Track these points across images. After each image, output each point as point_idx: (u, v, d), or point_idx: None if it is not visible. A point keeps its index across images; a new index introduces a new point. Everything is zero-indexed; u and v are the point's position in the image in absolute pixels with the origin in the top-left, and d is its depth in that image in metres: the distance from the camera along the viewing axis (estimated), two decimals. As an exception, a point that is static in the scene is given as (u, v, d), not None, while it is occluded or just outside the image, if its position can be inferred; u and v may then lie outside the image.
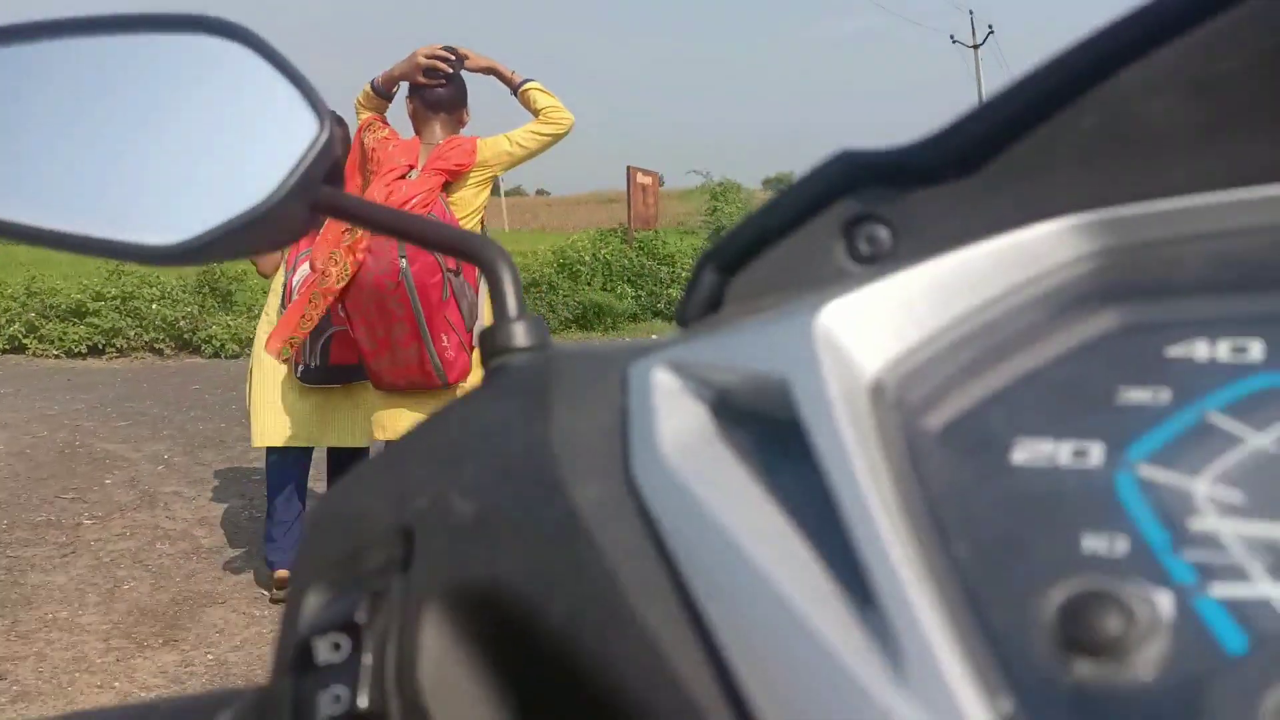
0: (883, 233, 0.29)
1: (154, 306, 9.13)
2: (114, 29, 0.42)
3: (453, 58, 3.20)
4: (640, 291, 12.06)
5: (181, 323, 9.09)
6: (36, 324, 8.84)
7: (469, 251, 0.38)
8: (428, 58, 3.17)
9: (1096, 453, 0.21)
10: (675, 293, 11.52)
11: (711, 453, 0.24)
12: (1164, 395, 0.22)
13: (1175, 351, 0.22)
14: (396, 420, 3.24)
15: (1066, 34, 0.28)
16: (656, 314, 11.85)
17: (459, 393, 3.05)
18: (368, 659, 0.26)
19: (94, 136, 0.42)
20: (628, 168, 13.14)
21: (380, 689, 0.25)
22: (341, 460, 3.51)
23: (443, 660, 0.25)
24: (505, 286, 0.36)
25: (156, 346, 9.07)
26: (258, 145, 0.39)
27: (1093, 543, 0.20)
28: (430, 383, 3.15)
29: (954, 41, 32.97)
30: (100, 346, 8.85)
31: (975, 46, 32.56)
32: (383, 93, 3.21)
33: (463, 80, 3.28)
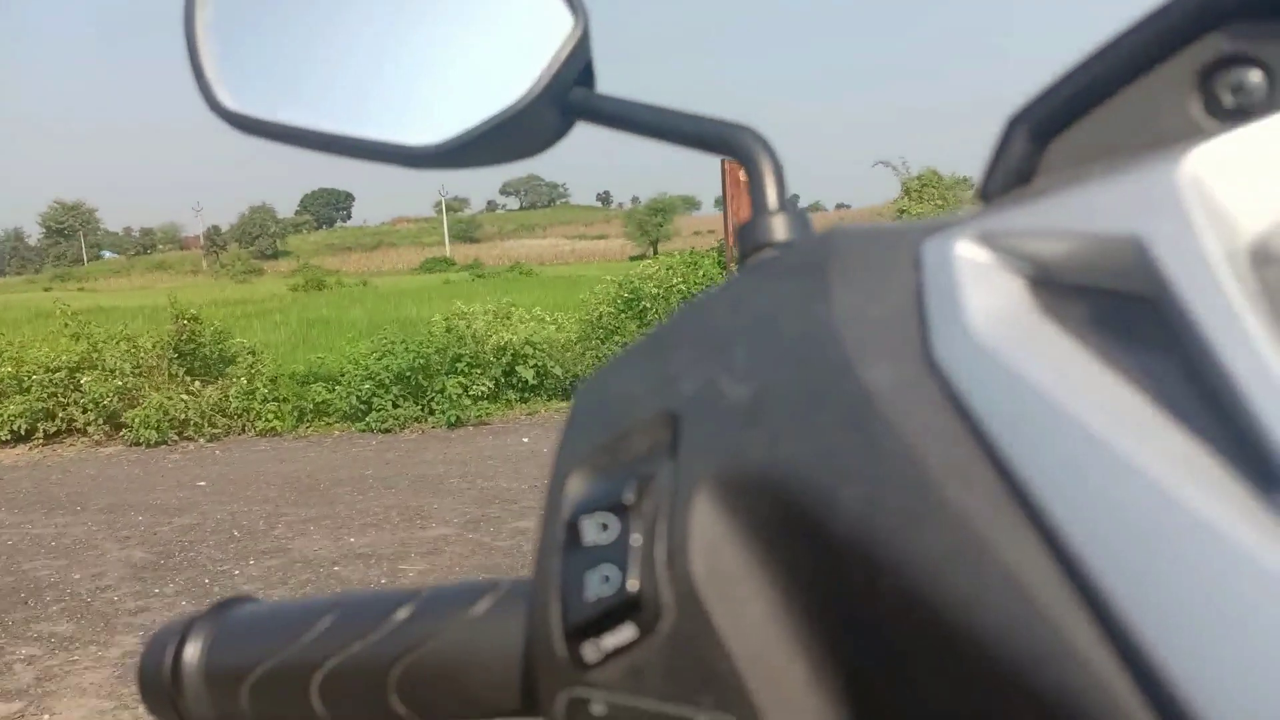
0: (1255, 78, 0.24)
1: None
2: None
3: None
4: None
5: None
6: None
7: (727, 142, 0.37)
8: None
9: None
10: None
11: (1032, 330, 0.21)
12: None
13: None
14: None
15: None
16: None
17: None
18: (636, 540, 0.25)
19: (352, 37, 0.43)
20: (722, 162, 9.87)
21: (650, 571, 0.24)
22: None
23: (716, 546, 0.24)
24: (765, 178, 0.35)
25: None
26: (511, 42, 0.39)
27: None
28: None
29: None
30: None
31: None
32: None
33: None
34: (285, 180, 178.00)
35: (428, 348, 8.16)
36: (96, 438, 7.92)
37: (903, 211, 12.75)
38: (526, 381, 8.38)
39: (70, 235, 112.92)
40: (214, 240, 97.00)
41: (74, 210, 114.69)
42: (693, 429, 0.25)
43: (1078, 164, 0.25)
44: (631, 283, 9.33)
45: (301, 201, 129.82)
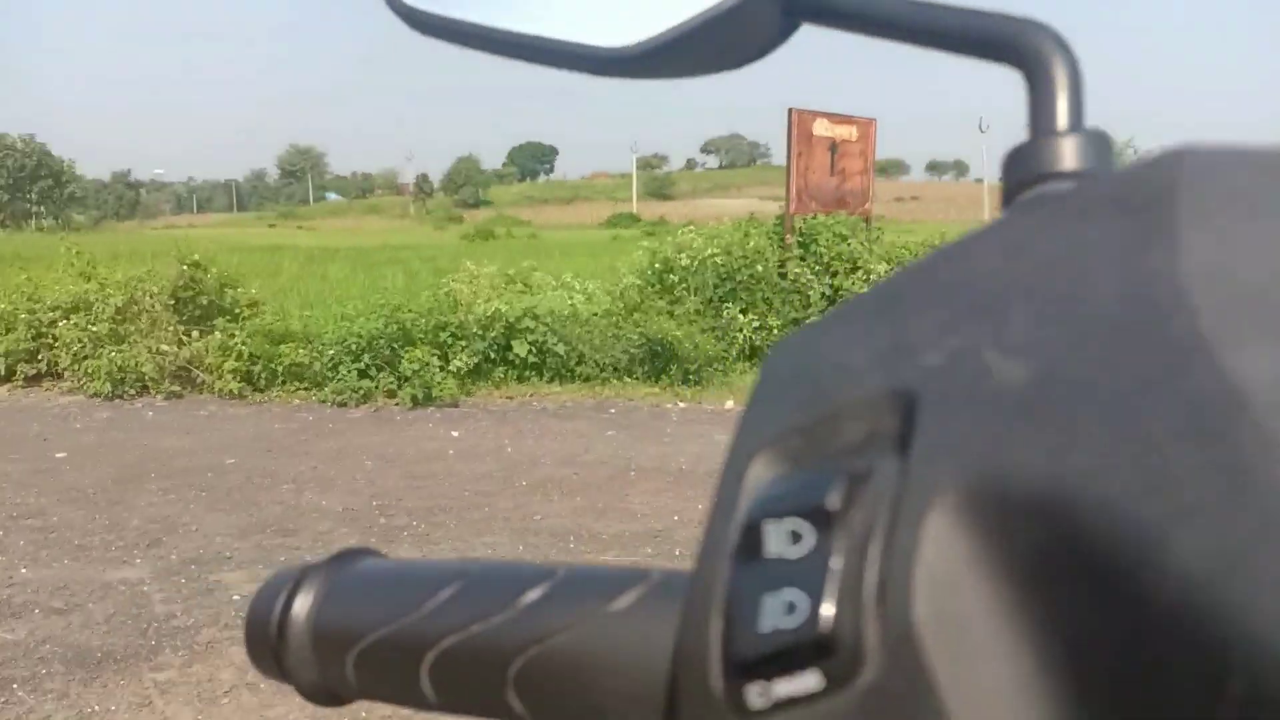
0: None
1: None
2: None
3: None
4: (779, 318, 7.44)
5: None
6: None
7: (1007, 42, 0.27)
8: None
9: None
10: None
11: None
12: None
13: None
14: None
15: None
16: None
17: None
18: (838, 561, 0.19)
19: None
20: (790, 111, 8.13)
21: (854, 605, 0.19)
22: None
23: (951, 582, 0.18)
24: (1057, 89, 0.26)
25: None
26: None
27: None
28: None
29: None
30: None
31: None
32: None
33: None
34: (495, 133, 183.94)
35: (405, 313, 7.17)
36: (70, 384, 7.51)
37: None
38: (522, 359, 7.25)
39: (300, 177, 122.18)
40: (421, 188, 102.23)
41: (305, 153, 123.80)
42: (935, 417, 0.19)
43: None
44: (664, 252, 7.96)
45: (509, 154, 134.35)
